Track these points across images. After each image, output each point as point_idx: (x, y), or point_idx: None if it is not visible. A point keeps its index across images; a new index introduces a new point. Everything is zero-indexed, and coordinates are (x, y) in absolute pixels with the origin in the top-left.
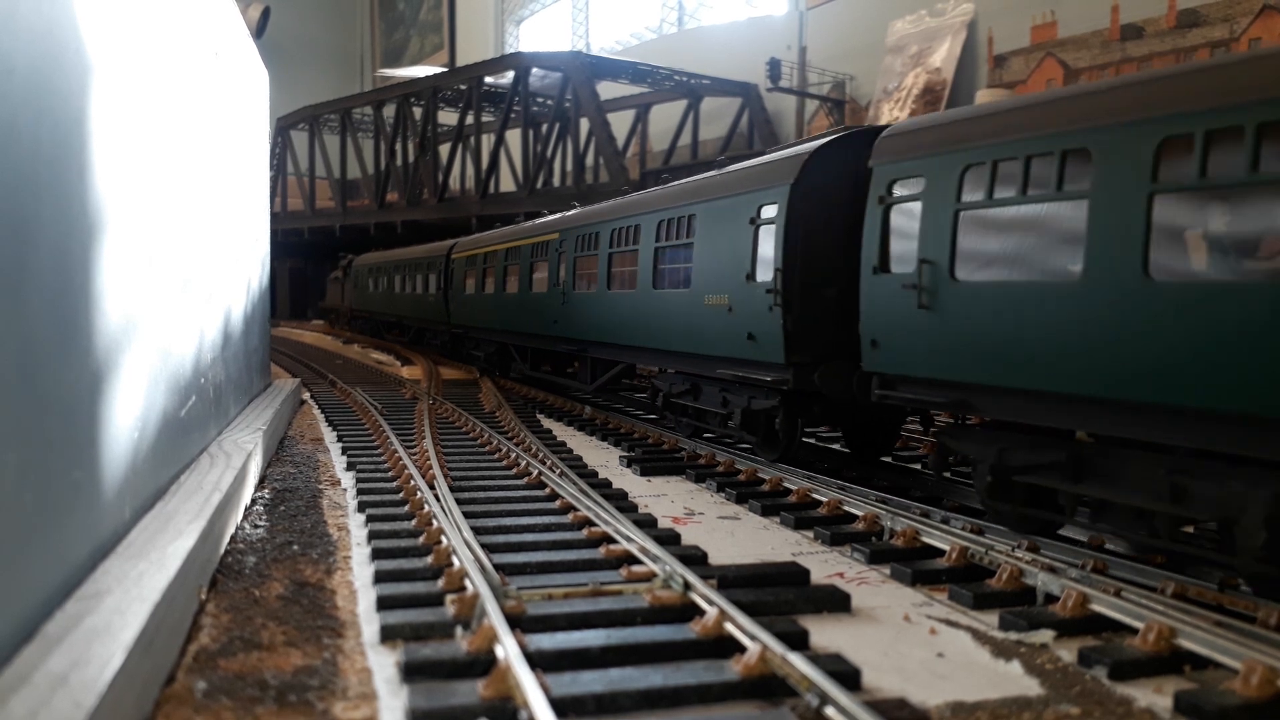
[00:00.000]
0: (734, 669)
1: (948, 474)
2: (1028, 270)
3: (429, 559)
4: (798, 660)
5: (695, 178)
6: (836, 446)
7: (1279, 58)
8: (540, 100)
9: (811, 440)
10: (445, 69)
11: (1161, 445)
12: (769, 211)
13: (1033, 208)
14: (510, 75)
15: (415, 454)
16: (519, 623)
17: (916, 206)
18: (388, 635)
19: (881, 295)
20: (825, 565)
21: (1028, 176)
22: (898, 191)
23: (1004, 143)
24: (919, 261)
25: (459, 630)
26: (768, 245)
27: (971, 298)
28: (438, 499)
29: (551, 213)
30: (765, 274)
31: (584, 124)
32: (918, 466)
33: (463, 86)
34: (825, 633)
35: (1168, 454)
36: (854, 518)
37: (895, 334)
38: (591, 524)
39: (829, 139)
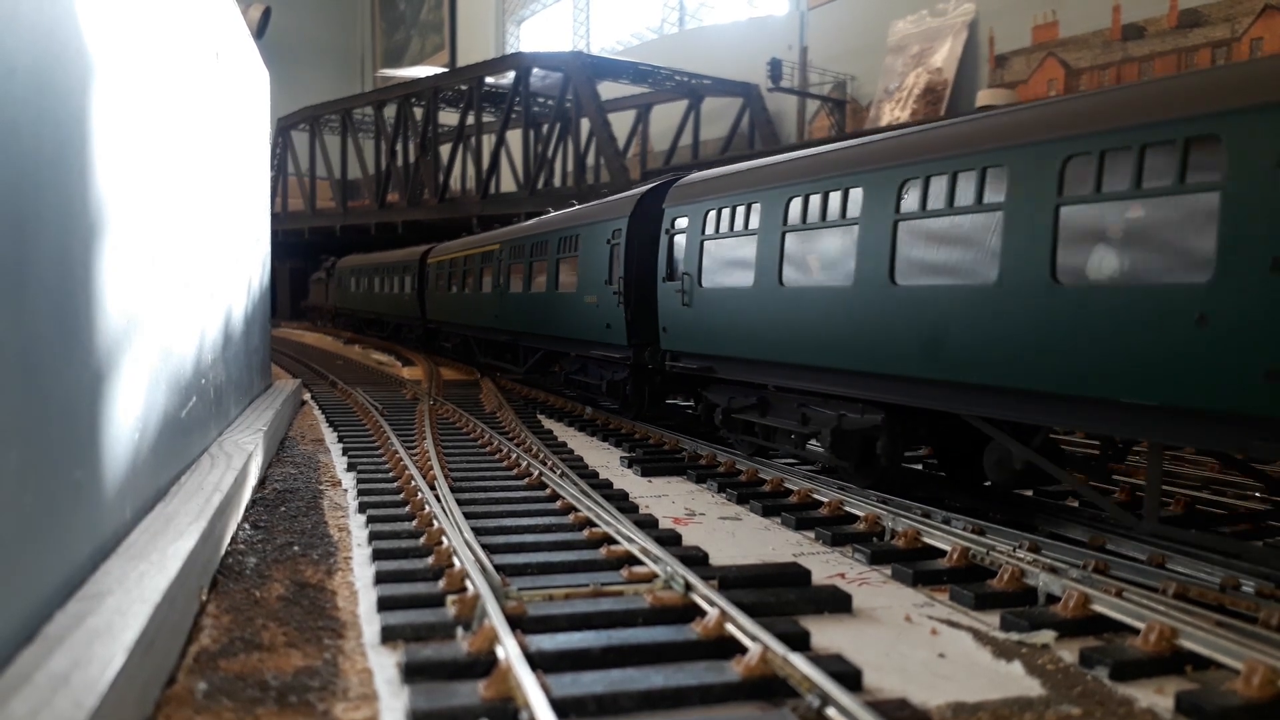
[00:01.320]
0: (735, 670)
1: (717, 420)
2: (738, 279)
3: (430, 560)
4: (799, 661)
5: (580, 206)
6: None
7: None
8: (541, 100)
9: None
10: (446, 69)
11: (800, 390)
12: (618, 235)
13: (737, 239)
14: (511, 75)
15: (416, 455)
16: (520, 623)
17: (683, 237)
18: (388, 636)
19: (666, 296)
20: (826, 566)
21: (734, 220)
22: (676, 226)
23: (724, 196)
24: (683, 274)
25: (460, 631)
26: (618, 259)
27: (710, 298)
28: (439, 500)
29: (499, 226)
30: (615, 280)
31: (585, 124)
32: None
33: (463, 87)
34: (826, 633)
35: (807, 397)
36: (855, 518)
37: (674, 323)
38: (592, 525)
39: (651, 186)
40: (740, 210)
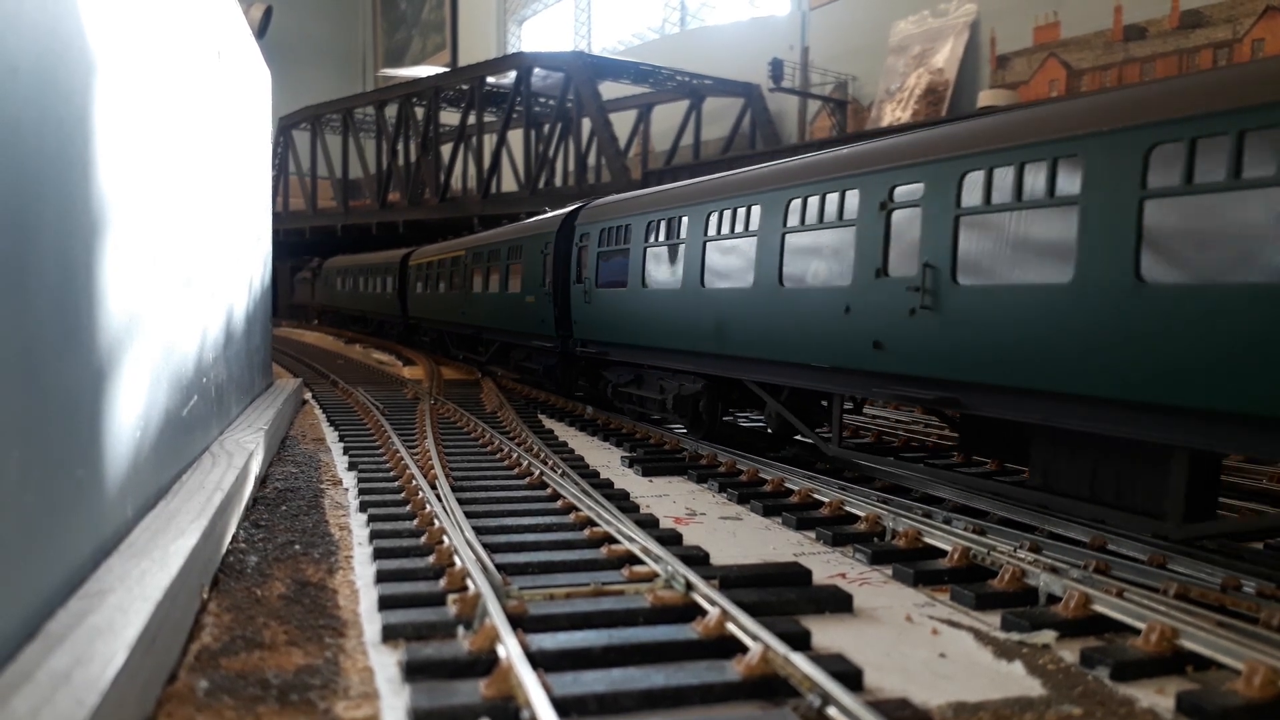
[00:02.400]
0: (736, 669)
1: (608, 393)
2: (617, 282)
3: (431, 559)
4: (800, 660)
5: (522, 223)
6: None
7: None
8: (542, 100)
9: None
10: (447, 69)
11: (658, 368)
12: (548, 246)
13: (619, 251)
14: (512, 75)
15: (417, 454)
16: (521, 622)
17: (588, 248)
18: (389, 635)
19: (575, 296)
20: (827, 566)
21: (616, 237)
22: (582, 240)
23: (611, 219)
24: (585, 278)
25: (461, 630)
26: (548, 266)
27: (603, 298)
28: (439, 499)
29: (469, 234)
30: (547, 283)
31: (586, 124)
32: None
33: (465, 86)
34: (827, 633)
35: (663, 372)
36: (856, 518)
37: (580, 318)
38: (593, 524)
39: (575, 207)
40: (621, 230)
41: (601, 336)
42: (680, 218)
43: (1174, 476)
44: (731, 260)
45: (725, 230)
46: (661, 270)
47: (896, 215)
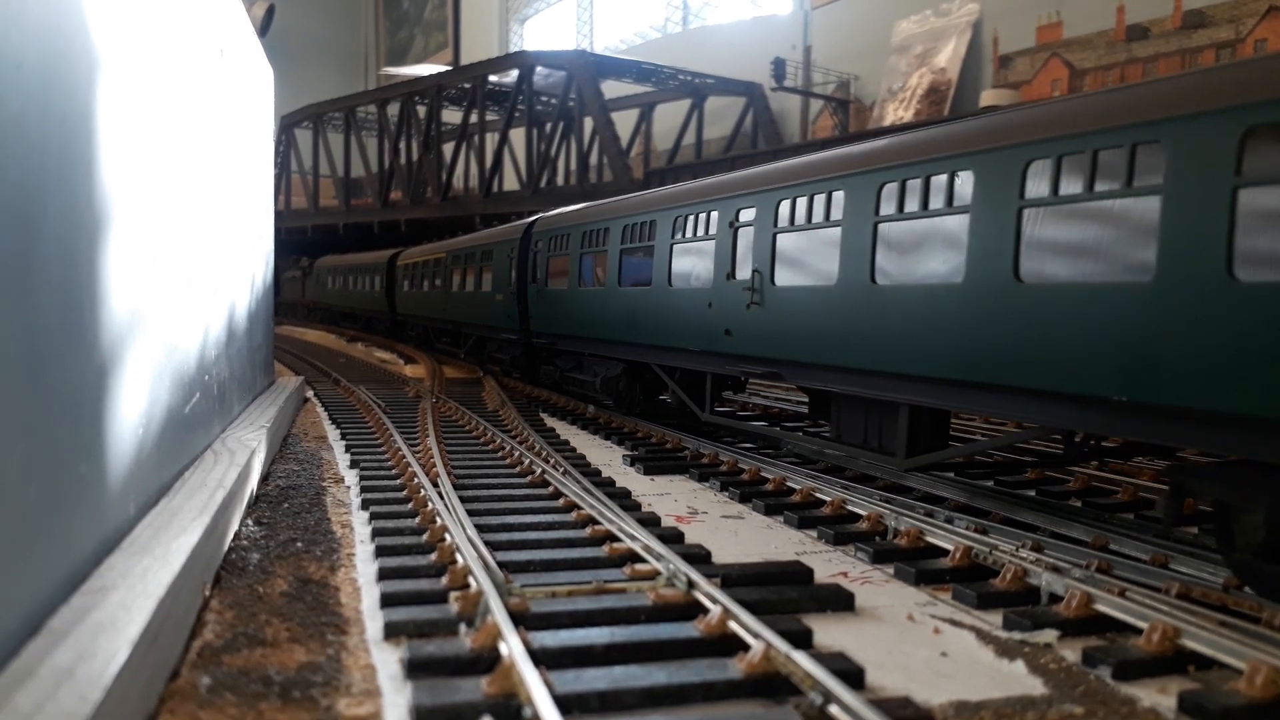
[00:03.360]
0: (738, 667)
1: (557, 377)
2: (561, 283)
3: (433, 556)
4: (802, 658)
5: (494, 229)
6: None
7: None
8: (544, 99)
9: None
10: (449, 67)
11: (593, 355)
12: (513, 251)
13: (563, 257)
14: (514, 74)
15: (419, 452)
16: (523, 620)
17: (540, 253)
18: (391, 632)
19: (532, 294)
20: (829, 565)
21: (559, 244)
22: (536, 246)
23: (555, 229)
24: (539, 278)
25: (463, 627)
26: (513, 269)
27: (551, 295)
28: (441, 497)
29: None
30: (512, 283)
31: (588, 123)
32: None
33: (467, 85)
34: (829, 632)
35: (595, 359)
36: (858, 517)
37: (536, 313)
38: (595, 522)
39: (537, 217)
40: (564, 238)
41: (550, 329)
42: (605, 229)
43: (900, 423)
44: (640, 265)
45: (634, 241)
46: (590, 273)
47: (740, 231)
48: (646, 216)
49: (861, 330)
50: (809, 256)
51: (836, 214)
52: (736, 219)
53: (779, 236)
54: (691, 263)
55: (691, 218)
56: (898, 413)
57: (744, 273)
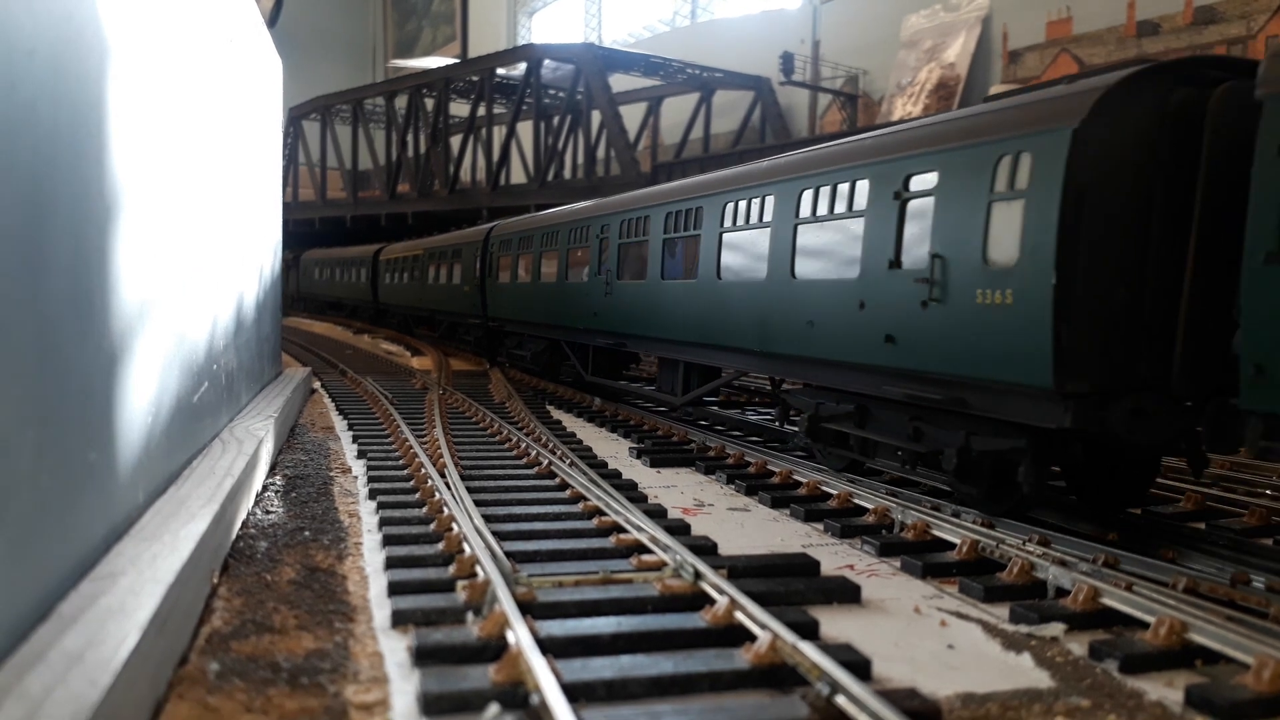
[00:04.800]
0: (744, 657)
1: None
2: (508, 278)
3: (440, 546)
4: (808, 649)
5: (463, 231)
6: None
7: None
8: (552, 92)
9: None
10: (457, 60)
11: (532, 335)
12: (478, 250)
13: (512, 256)
14: (522, 67)
15: (426, 443)
16: (530, 609)
17: (494, 254)
18: (399, 620)
19: (489, 286)
20: (835, 557)
21: (504, 247)
22: (492, 248)
23: (508, 234)
24: (505, 276)
25: (470, 616)
26: (477, 265)
27: (502, 287)
28: (448, 487)
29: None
30: (477, 276)
31: (596, 116)
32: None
33: (475, 78)
34: (836, 623)
35: (532, 338)
36: (864, 510)
37: (491, 301)
38: (602, 513)
39: (493, 225)
40: (509, 243)
41: (501, 315)
42: (530, 237)
43: (680, 374)
44: (552, 264)
45: (547, 247)
46: (524, 270)
47: (602, 240)
48: (552, 230)
49: (651, 313)
50: (633, 261)
51: (648, 231)
52: (603, 232)
53: (620, 246)
54: (577, 265)
55: (580, 230)
56: (678, 367)
57: (604, 271)
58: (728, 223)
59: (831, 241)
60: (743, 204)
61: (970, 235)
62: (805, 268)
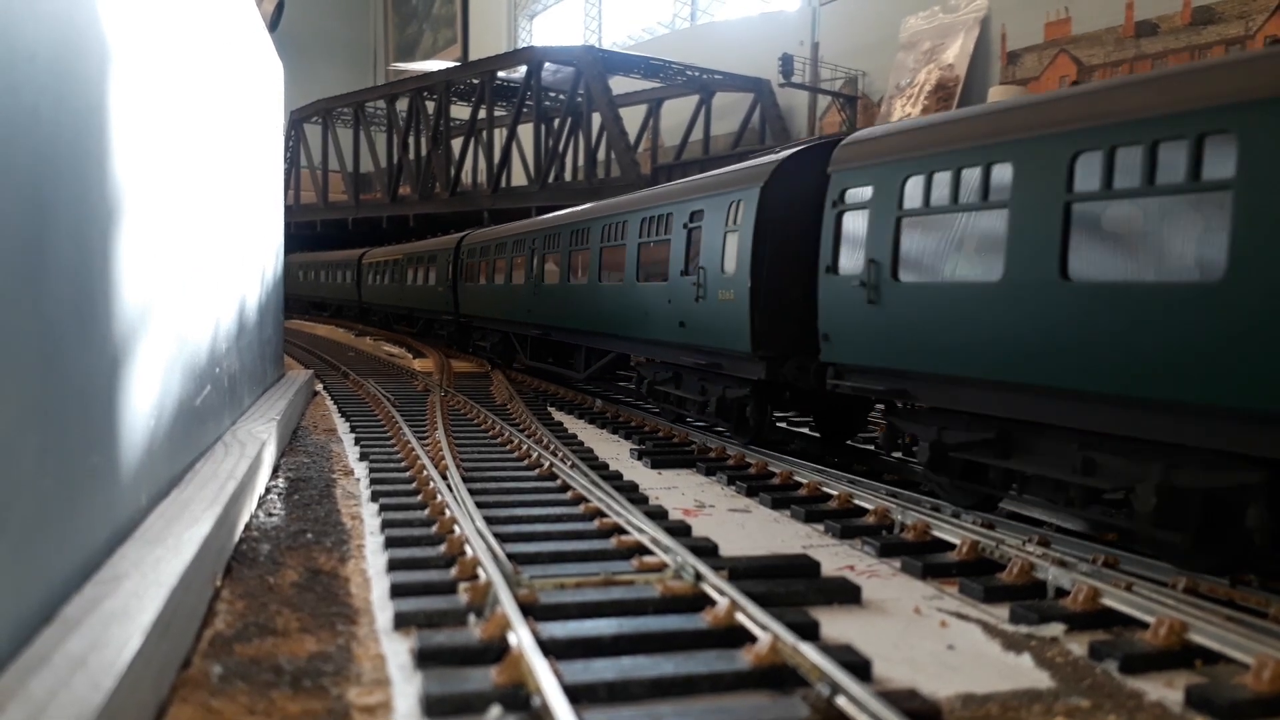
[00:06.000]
0: (745, 658)
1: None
2: (473, 280)
3: (442, 548)
4: (809, 650)
5: (438, 239)
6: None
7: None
8: (552, 95)
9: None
10: (458, 63)
11: (490, 329)
12: (450, 256)
13: (484, 261)
14: (523, 70)
15: (428, 445)
16: (531, 611)
17: (464, 260)
18: (401, 622)
19: (460, 290)
20: (836, 558)
21: (471, 254)
22: (463, 255)
23: (471, 244)
24: (473, 280)
25: (472, 618)
26: (450, 269)
27: (469, 287)
28: (450, 489)
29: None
30: (449, 278)
31: (596, 118)
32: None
33: (475, 80)
34: (836, 624)
35: (491, 332)
36: (865, 511)
37: (464, 299)
38: (603, 515)
39: (469, 231)
40: (476, 250)
41: (470, 312)
42: (494, 245)
43: (580, 357)
44: (503, 270)
45: (500, 255)
46: (483, 275)
47: (533, 251)
48: (504, 240)
49: (568, 309)
50: (553, 271)
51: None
52: (532, 245)
53: (544, 256)
54: (517, 272)
55: (518, 243)
56: (580, 350)
57: (530, 278)
58: (606, 240)
59: (655, 256)
60: (611, 226)
61: (716, 254)
62: (642, 274)
